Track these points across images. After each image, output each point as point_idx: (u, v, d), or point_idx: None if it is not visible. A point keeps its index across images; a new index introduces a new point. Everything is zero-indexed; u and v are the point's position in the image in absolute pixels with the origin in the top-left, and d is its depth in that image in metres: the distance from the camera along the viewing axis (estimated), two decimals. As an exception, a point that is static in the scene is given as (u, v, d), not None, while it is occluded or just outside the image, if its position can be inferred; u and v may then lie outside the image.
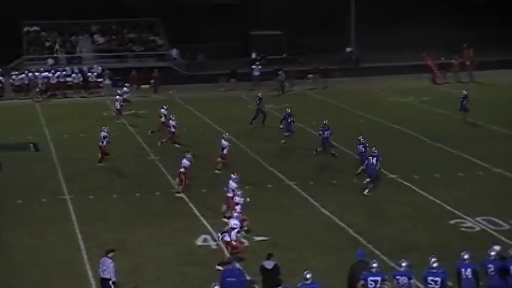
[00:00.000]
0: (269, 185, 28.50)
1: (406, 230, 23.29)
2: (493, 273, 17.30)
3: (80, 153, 34.06)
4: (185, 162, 27.53)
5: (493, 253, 17.48)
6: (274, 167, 30.71)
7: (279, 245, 21.91)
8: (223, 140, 30.27)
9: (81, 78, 50.95)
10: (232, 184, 24.44)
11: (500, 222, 23.58)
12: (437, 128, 36.85)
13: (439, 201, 25.91)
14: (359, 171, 28.32)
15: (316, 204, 25.99)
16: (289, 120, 34.94)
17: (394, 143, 33.74)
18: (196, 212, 25.60)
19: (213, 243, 22.61)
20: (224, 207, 24.41)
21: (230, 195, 24.12)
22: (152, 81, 49.98)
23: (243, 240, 21.72)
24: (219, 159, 30.22)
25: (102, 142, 31.84)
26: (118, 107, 41.28)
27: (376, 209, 25.42)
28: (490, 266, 17.33)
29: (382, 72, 54.73)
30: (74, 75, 50.97)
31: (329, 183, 28.38)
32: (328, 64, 53.80)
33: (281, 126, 35.37)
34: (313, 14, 63.50)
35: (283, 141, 34.28)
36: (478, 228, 23.28)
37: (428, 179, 28.42)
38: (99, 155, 31.87)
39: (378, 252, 21.16)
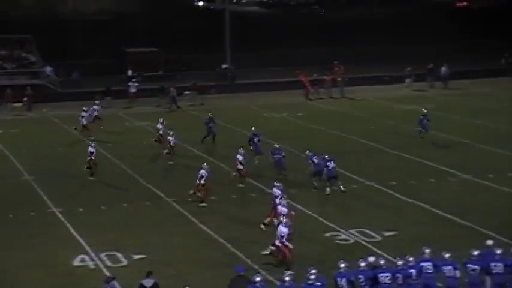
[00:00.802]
0: (147, 202, 28.40)
1: (284, 244, 23.70)
2: (363, 283, 17.90)
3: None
4: (203, 172, 27.61)
5: (362, 264, 18.09)
6: (153, 184, 30.63)
7: (158, 262, 21.88)
8: (238, 155, 30.26)
9: None
10: (276, 191, 24.87)
11: (373, 234, 24.38)
12: (312, 143, 37.58)
13: (314, 215, 26.54)
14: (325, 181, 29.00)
15: (195, 220, 26.10)
16: (256, 140, 34.10)
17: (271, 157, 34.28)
18: (73, 231, 25.20)
19: (91, 263, 22.34)
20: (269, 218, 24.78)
21: (276, 202, 24.54)
22: (25, 99, 48.82)
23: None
24: (238, 174, 30.22)
25: (90, 157, 31.33)
26: (84, 123, 39.91)
27: (255, 224, 25.74)
28: (360, 276, 17.92)
29: (257, 88, 55.48)
30: None
31: (208, 199, 28.54)
32: (204, 81, 54.13)
33: (250, 148, 34.16)
34: (189, 31, 63.77)
35: (257, 161, 33.48)
36: (352, 240, 23.98)
37: (304, 192, 29.05)
38: (88, 169, 31.38)
39: (256, 267, 21.47)
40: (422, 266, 18.36)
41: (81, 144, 38.60)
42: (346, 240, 24.05)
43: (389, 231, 24.54)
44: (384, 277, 17.93)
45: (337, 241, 23.97)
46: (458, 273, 18.34)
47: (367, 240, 23.89)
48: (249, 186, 30.38)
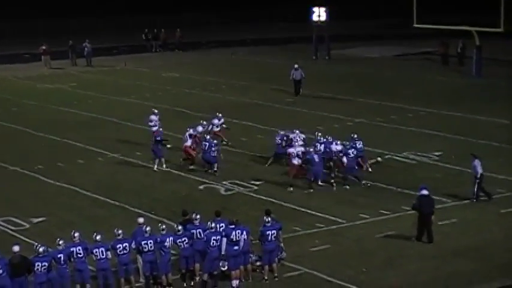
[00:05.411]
0: None
1: None
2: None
3: None
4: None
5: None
6: None
7: None
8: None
9: None
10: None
11: (20, 221, 23.27)
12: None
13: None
14: None
15: None
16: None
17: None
18: None
19: None
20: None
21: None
22: None
23: None
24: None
25: (189, 142, 27.77)
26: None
27: None
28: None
29: None
30: None
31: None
32: None
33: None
34: None
35: None
36: (-1, 230, 22.64)
37: None
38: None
39: None
40: (72, 251, 17.86)
41: None
42: (-9, 230, 22.66)
43: (38, 217, 23.55)
44: (41, 266, 17.40)
45: (-18, 233, 22.49)
46: (109, 255, 18.12)
47: (15, 228, 22.72)
48: None
